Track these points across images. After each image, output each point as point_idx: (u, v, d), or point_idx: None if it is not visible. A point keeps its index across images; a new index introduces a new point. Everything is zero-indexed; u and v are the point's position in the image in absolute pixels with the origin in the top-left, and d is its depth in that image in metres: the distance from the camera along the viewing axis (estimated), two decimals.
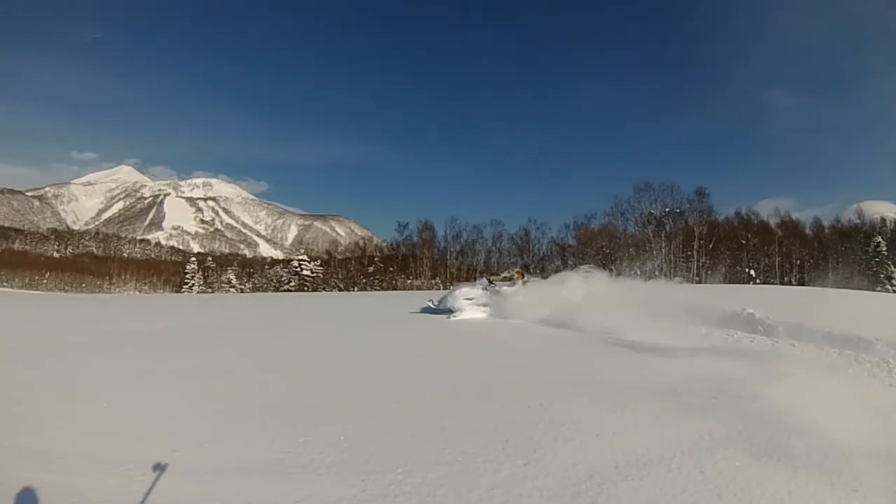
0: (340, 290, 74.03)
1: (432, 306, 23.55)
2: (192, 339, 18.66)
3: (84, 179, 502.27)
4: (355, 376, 11.38)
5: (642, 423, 7.13)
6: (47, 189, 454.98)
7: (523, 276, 24.72)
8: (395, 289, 72.41)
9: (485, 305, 21.50)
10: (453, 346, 14.60)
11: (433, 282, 73.79)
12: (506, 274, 25.17)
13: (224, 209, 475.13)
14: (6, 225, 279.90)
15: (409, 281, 72.42)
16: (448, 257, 76.95)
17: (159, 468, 6.38)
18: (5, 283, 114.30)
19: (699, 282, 53.65)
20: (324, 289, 79.61)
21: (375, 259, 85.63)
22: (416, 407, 8.62)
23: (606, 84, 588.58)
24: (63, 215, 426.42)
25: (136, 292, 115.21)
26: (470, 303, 21.85)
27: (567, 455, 6.27)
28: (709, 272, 62.41)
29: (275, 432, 7.66)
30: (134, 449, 6.91)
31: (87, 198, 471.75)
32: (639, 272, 53.13)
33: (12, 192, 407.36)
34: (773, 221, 74.76)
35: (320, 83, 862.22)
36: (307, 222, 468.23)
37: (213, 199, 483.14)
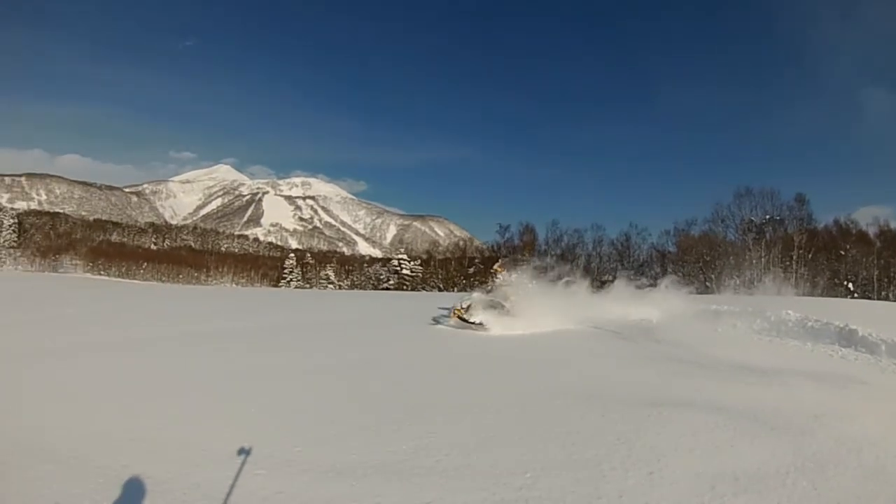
0: (440, 290, 74.37)
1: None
2: (300, 335, 19.43)
3: (182, 177, 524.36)
4: (467, 377, 11.85)
5: (754, 439, 7.20)
6: (145, 186, 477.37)
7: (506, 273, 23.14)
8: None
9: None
10: (537, 354, 14.65)
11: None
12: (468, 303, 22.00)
13: (323, 207, 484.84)
14: (104, 218, 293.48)
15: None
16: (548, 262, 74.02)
17: (286, 465, 6.70)
18: (103, 272, 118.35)
19: (798, 294, 51.32)
20: (423, 288, 79.81)
21: (476, 260, 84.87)
22: (536, 412, 8.83)
23: (705, 86, 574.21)
24: (161, 210, 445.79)
25: (233, 285, 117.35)
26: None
27: (689, 465, 6.43)
28: (807, 284, 58.06)
29: (395, 432, 7.94)
30: (260, 445, 7.27)
31: (185, 195, 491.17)
32: (738, 282, 51.93)
33: (110, 188, 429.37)
34: (871, 231, 69.18)
35: (420, 86, 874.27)
36: (406, 222, 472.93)
37: (312, 197, 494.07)
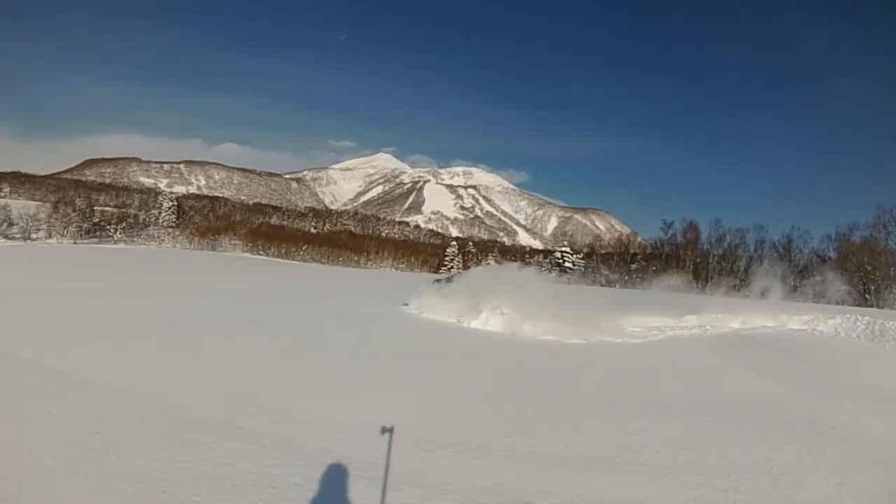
0: (602, 285, 73.92)
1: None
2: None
3: (342, 165, 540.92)
4: (657, 379, 12.89)
5: None
6: (305, 173, 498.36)
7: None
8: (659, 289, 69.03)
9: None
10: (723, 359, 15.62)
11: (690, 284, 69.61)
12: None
13: (484, 197, 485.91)
14: (264, 202, 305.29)
15: (669, 283, 67.12)
16: (710, 261, 73.84)
17: (502, 455, 7.15)
18: (261, 252, 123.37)
19: None
20: (585, 282, 76.64)
21: (638, 257, 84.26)
22: (730, 418, 9.67)
23: (872, 84, 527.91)
24: (321, 196, 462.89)
25: (393, 270, 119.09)
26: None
27: (876, 478, 7.12)
28: None
29: (602, 428, 8.74)
30: (470, 432, 7.92)
31: (346, 181, 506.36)
32: None
33: (270, 174, 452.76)
34: None
35: (584, 77, 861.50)
36: (567, 214, 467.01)
37: (474, 187, 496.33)
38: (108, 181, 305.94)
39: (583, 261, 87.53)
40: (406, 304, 24.48)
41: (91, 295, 23.90)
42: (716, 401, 10.86)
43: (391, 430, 7.61)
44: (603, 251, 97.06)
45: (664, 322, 21.13)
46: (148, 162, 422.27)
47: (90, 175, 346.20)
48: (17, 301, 20.38)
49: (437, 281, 26.34)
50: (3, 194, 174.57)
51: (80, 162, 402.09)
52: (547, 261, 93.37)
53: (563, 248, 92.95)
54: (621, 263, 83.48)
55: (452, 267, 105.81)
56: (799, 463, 7.52)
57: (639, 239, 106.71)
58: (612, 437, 8.15)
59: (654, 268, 75.92)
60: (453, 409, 9.31)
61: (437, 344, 16.65)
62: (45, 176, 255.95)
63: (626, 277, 76.63)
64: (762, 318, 21.65)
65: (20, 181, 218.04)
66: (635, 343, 18.17)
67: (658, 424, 8.93)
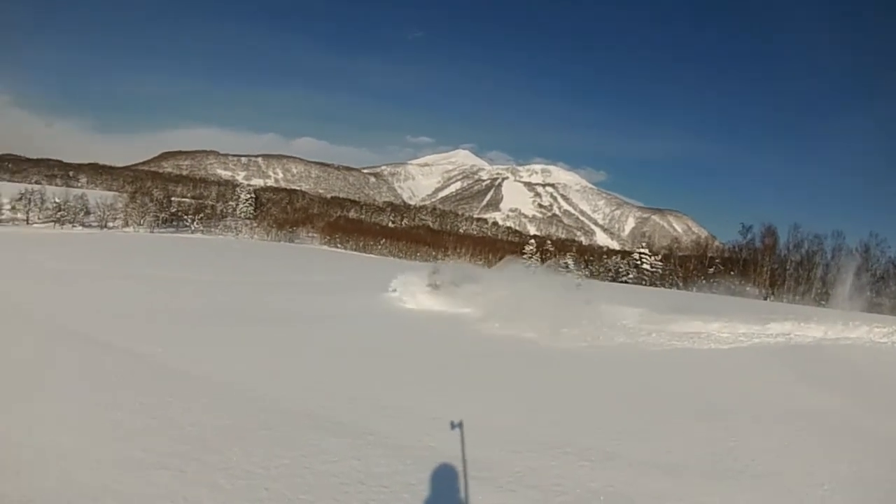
0: (678, 288, 73.79)
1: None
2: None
3: (421, 161, 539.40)
4: (744, 386, 12.75)
5: None
6: (383, 168, 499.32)
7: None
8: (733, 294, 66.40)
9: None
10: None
11: (766, 290, 69.65)
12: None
13: (562, 195, 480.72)
14: (342, 196, 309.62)
15: (746, 288, 67.30)
16: (787, 267, 72.05)
17: (609, 458, 7.18)
18: (339, 245, 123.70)
19: None
20: (662, 285, 78.53)
21: (716, 261, 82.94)
22: (818, 429, 9.63)
23: None
24: (399, 191, 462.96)
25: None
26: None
27: None
28: None
29: (701, 433, 8.79)
30: (577, 435, 7.95)
31: (424, 177, 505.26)
32: None
33: (348, 168, 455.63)
34: None
35: (663, 77, 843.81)
36: (645, 215, 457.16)
37: (552, 185, 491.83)
38: (185, 173, 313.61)
39: (660, 263, 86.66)
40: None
41: (178, 282, 26.00)
42: (805, 411, 10.82)
43: (494, 430, 7.81)
44: (681, 254, 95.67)
45: (751, 329, 20.17)
46: (225, 155, 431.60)
47: (167, 167, 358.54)
48: (106, 286, 22.24)
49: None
50: (80, 185, 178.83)
51: (156, 154, 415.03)
52: (625, 262, 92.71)
53: (642, 250, 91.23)
54: (699, 267, 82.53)
55: (530, 265, 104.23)
56: (888, 472, 7.60)
57: (716, 242, 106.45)
58: (708, 443, 8.30)
59: (732, 272, 74.75)
60: (551, 412, 9.43)
61: (518, 348, 16.25)
62: (122, 168, 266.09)
63: (704, 282, 75.48)
64: (843, 328, 20.82)
65: (97, 172, 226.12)
66: (722, 349, 17.71)
67: (750, 432, 9.03)
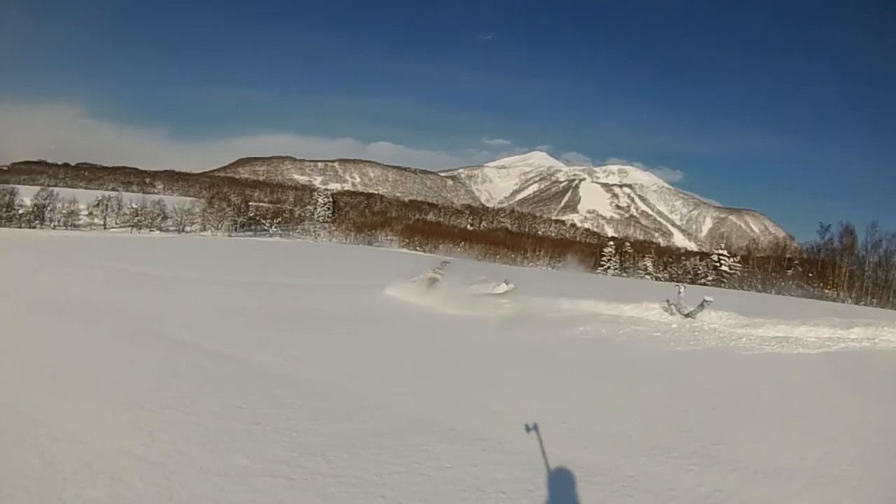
0: (757, 290, 71.68)
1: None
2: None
3: (497, 163, 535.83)
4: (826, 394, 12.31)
5: None
6: (460, 171, 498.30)
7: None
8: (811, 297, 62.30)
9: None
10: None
11: (844, 293, 65.85)
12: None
13: (640, 196, 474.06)
14: (420, 199, 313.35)
15: (825, 290, 65.28)
16: (865, 268, 68.68)
17: (713, 463, 7.18)
18: (418, 248, 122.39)
19: None
20: (741, 287, 76.00)
21: (794, 262, 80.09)
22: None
23: None
24: (477, 194, 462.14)
25: (549, 268, 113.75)
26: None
27: None
28: None
29: (790, 436, 8.72)
30: (675, 439, 7.85)
31: (501, 179, 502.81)
32: None
33: (426, 172, 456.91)
34: None
35: (736, 73, 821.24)
36: (722, 215, 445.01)
37: (629, 185, 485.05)
38: (261, 178, 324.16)
39: (739, 265, 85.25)
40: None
41: (268, 286, 26.49)
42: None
43: (599, 434, 7.85)
44: (759, 255, 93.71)
45: (836, 333, 19.69)
46: (302, 160, 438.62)
47: (243, 173, 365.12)
48: (202, 291, 23.02)
49: None
50: (156, 191, 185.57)
51: (232, 161, 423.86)
52: (703, 264, 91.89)
53: (721, 252, 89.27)
54: (777, 268, 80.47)
55: (609, 267, 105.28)
56: None
57: (794, 243, 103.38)
58: (804, 448, 8.13)
59: (811, 274, 73.21)
60: (651, 416, 9.35)
61: (600, 350, 16.08)
62: (199, 174, 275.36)
63: (783, 283, 73.57)
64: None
65: (173, 178, 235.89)
66: (811, 354, 17.14)
67: (845, 441, 8.77)
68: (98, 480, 5.60)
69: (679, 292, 20.85)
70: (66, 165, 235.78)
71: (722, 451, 7.49)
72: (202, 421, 7.51)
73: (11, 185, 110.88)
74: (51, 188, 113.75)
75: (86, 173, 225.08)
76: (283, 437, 7.12)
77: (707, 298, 19.92)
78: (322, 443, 7.00)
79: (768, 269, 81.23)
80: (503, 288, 24.87)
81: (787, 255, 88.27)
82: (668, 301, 20.97)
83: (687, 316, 19.96)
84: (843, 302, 53.83)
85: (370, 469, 6.27)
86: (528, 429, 7.84)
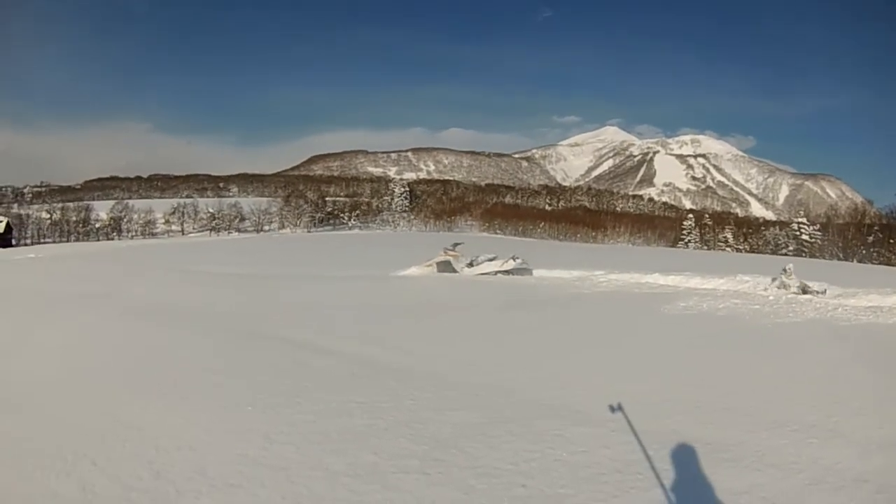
0: (839, 259, 71.47)
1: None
2: None
3: (570, 141, 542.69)
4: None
5: None
6: (534, 151, 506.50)
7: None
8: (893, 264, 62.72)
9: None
10: None
11: None
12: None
13: (714, 166, 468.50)
14: (496, 182, 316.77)
15: None
16: None
17: (833, 436, 6.87)
18: (498, 231, 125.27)
19: None
20: (822, 256, 76.22)
21: (875, 229, 79.01)
22: None
23: None
24: (552, 173, 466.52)
25: (630, 245, 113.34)
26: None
27: None
28: None
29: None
30: (795, 411, 7.68)
31: (575, 157, 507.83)
32: None
33: (499, 155, 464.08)
34: None
35: (805, 31, 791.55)
36: (798, 181, 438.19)
37: (703, 155, 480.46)
38: (335, 174, 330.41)
39: (818, 233, 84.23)
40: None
41: (349, 278, 26.19)
42: None
43: (723, 409, 7.72)
44: (838, 222, 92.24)
45: None
46: (374, 153, 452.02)
47: (317, 170, 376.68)
48: (295, 286, 23.30)
49: None
50: (231, 194, 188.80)
51: (305, 159, 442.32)
52: (783, 233, 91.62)
53: (801, 220, 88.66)
54: (857, 235, 79.49)
55: (690, 241, 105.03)
56: None
57: (873, 209, 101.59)
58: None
59: (892, 240, 72.80)
60: (764, 388, 8.96)
61: (695, 324, 15.53)
62: (272, 175, 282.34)
63: (864, 251, 73.56)
64: None
65: (247, 181, 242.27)
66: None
67: None
68: (215, 489, 5.42)
69: (787, 270, 20.29)
70: (139, 178, 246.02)
71: (837, 424, 7.17)
72: (320, 419, 7.25)
73: (86, 202, 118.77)
74: (125, 200, 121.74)
75: (159, 183, 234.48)
76: (409, 429, 6.88)
77: (825, 286, 19.73)
78: (452, 433, 6.79)
79: (848, 237, 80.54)
80: (511, 264, 25.56)
81: (867, 222, 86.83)
82: (783, 271, 20.48)
83: (805, 293, 19.26)
84: None
85: (505, 458, 6.06)
86: (653, 407, 7.75)
